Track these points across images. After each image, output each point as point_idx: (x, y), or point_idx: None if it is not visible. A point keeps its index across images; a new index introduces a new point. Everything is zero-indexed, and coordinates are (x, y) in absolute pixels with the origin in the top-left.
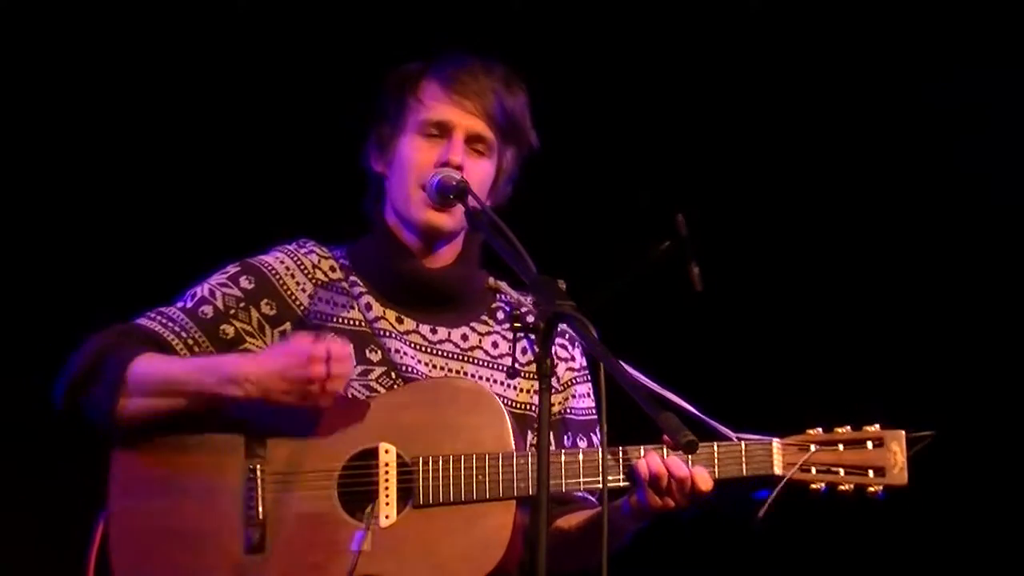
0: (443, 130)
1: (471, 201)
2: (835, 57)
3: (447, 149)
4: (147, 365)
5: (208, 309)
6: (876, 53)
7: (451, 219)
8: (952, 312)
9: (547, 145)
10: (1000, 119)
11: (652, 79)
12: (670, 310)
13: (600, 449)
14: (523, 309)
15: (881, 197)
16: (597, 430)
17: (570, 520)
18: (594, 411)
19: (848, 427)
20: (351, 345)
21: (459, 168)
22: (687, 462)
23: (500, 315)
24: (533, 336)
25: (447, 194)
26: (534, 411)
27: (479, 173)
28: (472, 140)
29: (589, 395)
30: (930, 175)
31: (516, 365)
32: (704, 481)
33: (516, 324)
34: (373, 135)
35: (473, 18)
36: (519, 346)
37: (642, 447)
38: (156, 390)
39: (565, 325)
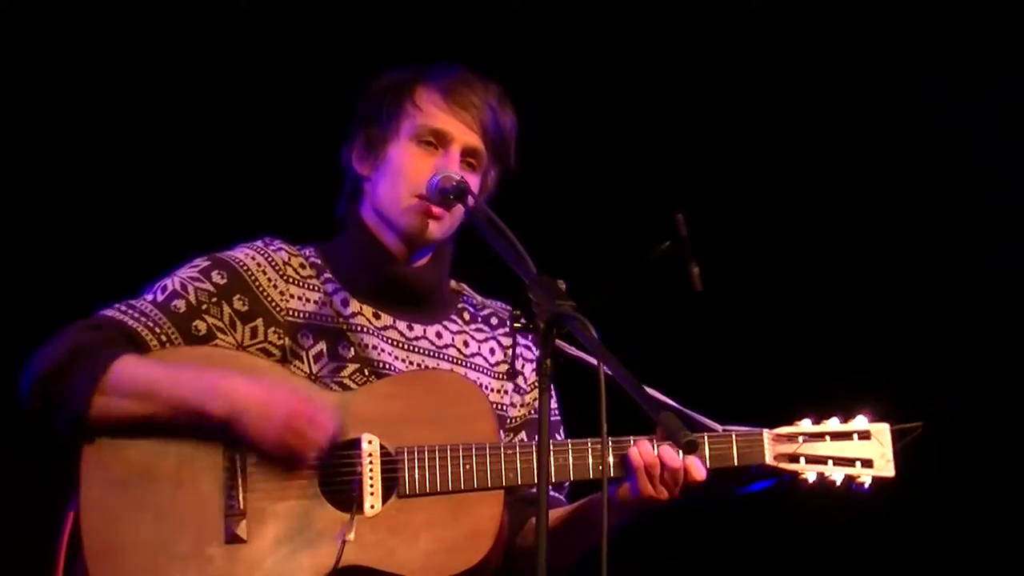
0: (440, 140)
1: (470, 201)
2: (835, 56)
3: (444, 162)
4: (129, 367)
5: (180, 304)
6: (876, 52)
7: (440, 228)
8: (942, 304)
9: (547, 145)
10: (999, 118)
11: (652, 78)
12: (668, 309)
13: (602, 449)
14: (486, 311)
15: (875, 193)
16: (562, 430)
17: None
18: (558, 412)
19: (836, 419)
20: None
21: None
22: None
23: (466, 315)
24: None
25: (447, 194)
26: (504, 411)
27: (471, 187)
28: (467, 154)
29: (552, 395)
30: (923, 172)
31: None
32: (698, 470)
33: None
34: (360, 136)
35: (472, 18)
36: (487, 346)
37: (631, 437)
38: (136, 393)
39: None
